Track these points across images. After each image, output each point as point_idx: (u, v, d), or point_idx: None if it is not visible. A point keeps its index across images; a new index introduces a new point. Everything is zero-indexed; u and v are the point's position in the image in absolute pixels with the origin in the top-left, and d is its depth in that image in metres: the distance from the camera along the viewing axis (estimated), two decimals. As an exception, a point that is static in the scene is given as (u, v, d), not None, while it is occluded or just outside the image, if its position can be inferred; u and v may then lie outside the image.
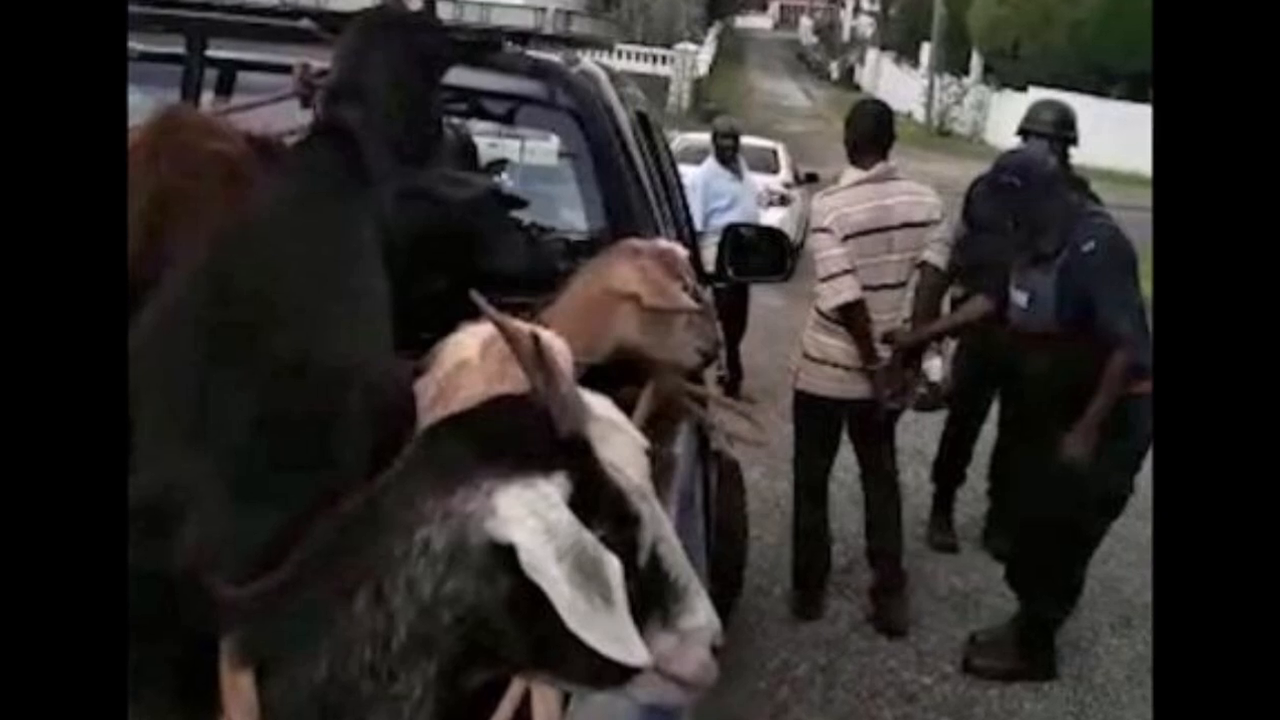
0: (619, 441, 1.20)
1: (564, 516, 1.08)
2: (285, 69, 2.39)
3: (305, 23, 2.52)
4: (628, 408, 1.54)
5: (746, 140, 8.60)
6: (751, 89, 33.65)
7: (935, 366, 4.51)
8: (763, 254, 3.83)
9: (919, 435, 5.74)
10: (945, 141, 26.15)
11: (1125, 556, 4.98)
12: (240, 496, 1.43)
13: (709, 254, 3.96)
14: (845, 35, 47.84)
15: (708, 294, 3.07)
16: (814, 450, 4.49)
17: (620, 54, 21.49)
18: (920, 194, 4.35)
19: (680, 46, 26.08)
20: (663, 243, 2.35)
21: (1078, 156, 4.95)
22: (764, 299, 7.74)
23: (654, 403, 2.06)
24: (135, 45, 2.27)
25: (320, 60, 2.25)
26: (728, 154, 7.59)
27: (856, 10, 48.49)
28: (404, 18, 2.20)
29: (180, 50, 2.63)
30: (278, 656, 1.12)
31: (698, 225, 5.20)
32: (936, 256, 4.28)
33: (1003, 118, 22.08)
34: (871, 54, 39.06)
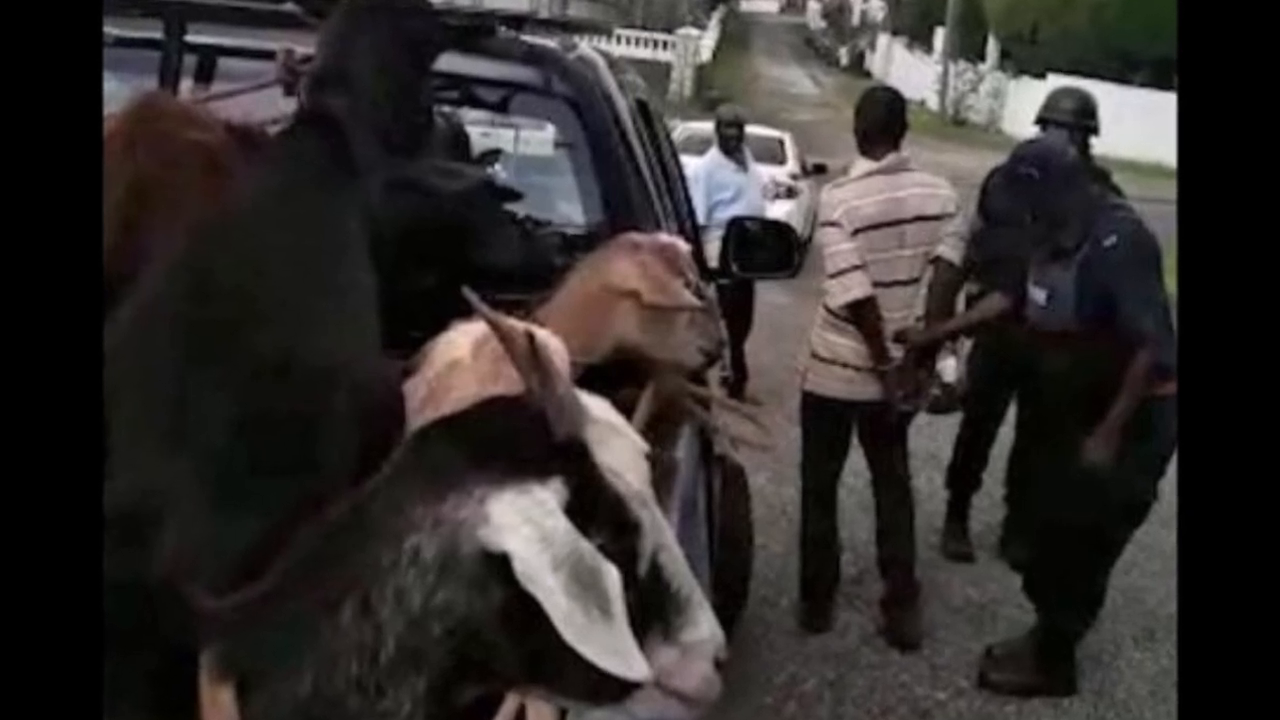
0: (618, 445, 1.21)
1: (560, 524, 1.08)
2: (268, 55, 2.40)
3: (289, 6, 2.52)
4: (627, 410, 1.54)
5: (751, 130, 8.61)
6: (757, 76, 33.67)
7: (949, 367, 4.51)
8: (768, 249, 3.83)
9: (933, 439, 5.75)
10: (960, 131, 26.16)
11: (1149, 566, 4.98)
12: (221, 502, 1.44)
13: (712, 249, 3.96)
14: (855, 19, 47.88)
15: (711, 291, 3.07)
16: (822, 454, 4.49)
17: (619, 39, 21.46)
18: (934, 186, 4.35)
19: (682, 31, 26.11)
20: (664, 237, 2.35)
21: (1099, 147, 4.95)
22: (770, 296, 7.73)
23: (655, 405, 2.06)
24: (111, 30, 2.27)
25: (304, 46, 2.25)
26: (732, 144, 7.59)
27: (867, -7, 48.54)
28: (392, 1, 2.20)
29: (158, 35, 2.63)
30: (260, 670, 1.13)
31: (700, 219, 5.21)
32: (951, 251, 4.28)
33: (1020, 106, 22.07)
34: (883, 39, 39.09)
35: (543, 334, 1.38)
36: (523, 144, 3.15)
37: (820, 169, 11.67)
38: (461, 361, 1.86)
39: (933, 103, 28.82)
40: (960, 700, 4.16)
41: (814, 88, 34.03)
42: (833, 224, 4.23)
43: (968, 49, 28.83)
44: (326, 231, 1.85)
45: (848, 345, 4.25)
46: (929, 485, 5.49)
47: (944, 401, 4.58)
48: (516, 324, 1.27)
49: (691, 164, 6.35)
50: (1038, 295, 3.92)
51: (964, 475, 5.33)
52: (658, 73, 22.05)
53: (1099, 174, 4.48)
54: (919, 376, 4.32)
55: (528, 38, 2.75)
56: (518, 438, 1.13)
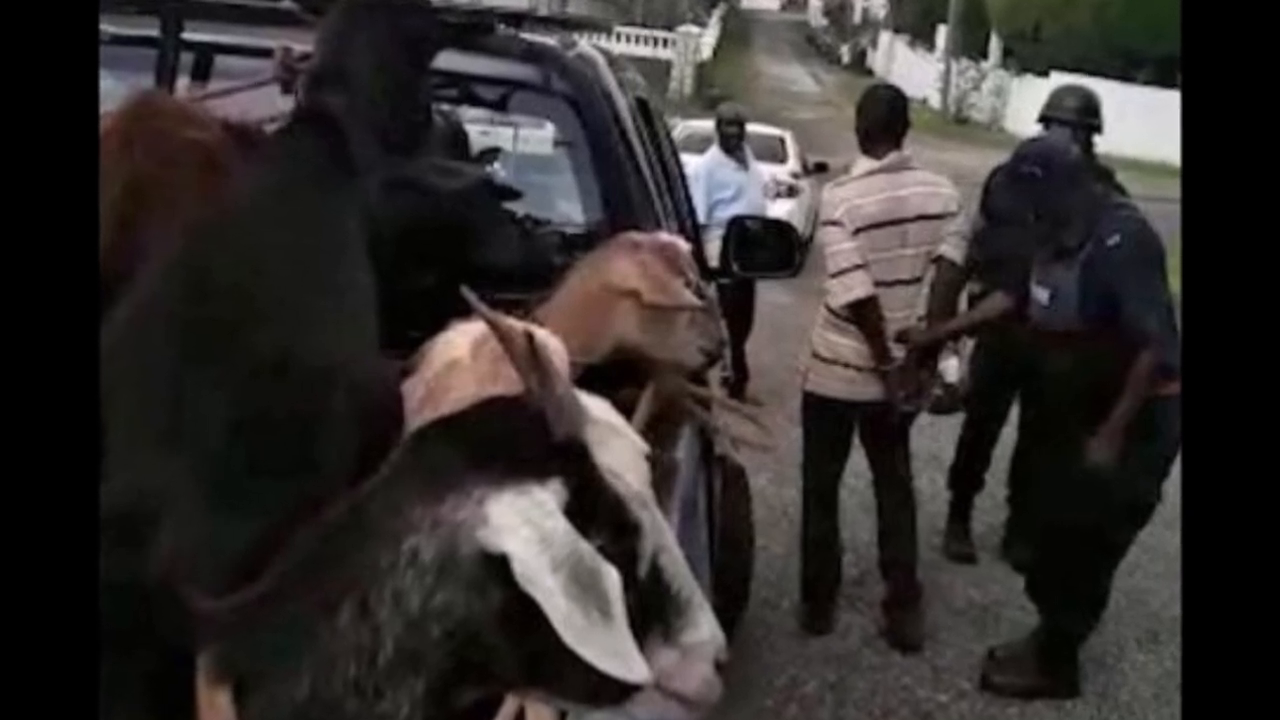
0: (618, 446, 1.20)
1: (560, 525, 1.08)
2: (265, 53, 2.40)
3: (286, 4, 2.52)
4: (627, 410, 1.54)
5: (752, 128, 8.61)
6: (758, 74, 33.67)
7: (952, 367, 4.50)
8: (769, 248, 3.83)
9: (935, 439, 5.74)
10: (962, 129, 26.16)
11: (1152, 567, 4.99)
12: (218, 503, 1.44)
13: (713, 248, 3.96)
14: (857, 17, 47.89)
15: (711, 290, 3.07)
16: (824, 455, 4.49)
17: (619, 37, 21.45)
18: (936, 185, 4.35)
19: (682, 29, 26.10)
20: (664, 236, 2.35)
21: (1102, 145, 4.95)
22: (771, 295, 7.73)
23: (655, 405, 2.06)
24: (107, 28, 2.28)
25: (302, 43, 2.25)
26: (732, 142, 7.59)
27: (869, -10, 48.55)
28: (391, -2, 2.20)
29: (155, 33, 2.63)
30: (257, 672, 1.13)
31: (701, 217, 5.21)
32: (953, 251, 4.28)
33: (1023, 104, 22.08)
34: (884, 37, 39.09)
35: (542, 334, 1.38)
36: (522, 142, 3.15)
37: (821, 167, 11.66)
38: (460, 361, 1.85)
39: (935, 101, 28.82)
40: (962, 702, 4.16)
41: (815, 86, 34.03)
42: (834, 223, 4.23)
43: (970, 47, 28.82)
44: (324, 230, 1.85)
45: (849, 345, 4.25)
46: (931, 486, 5.49)
47: (946, 402, 4.58)
48: (516, 324, 1.27)
49: (692, 162, 6.35)
50: (1040, 295, 3.92)
51: (966, 476, 5.32)
52: (658, 70, 22.04)
53: (1102, 172, 4.48)
54: (921, 376, 4.32)
55: (527, 35, 2.75)
56: (517, 438, 1.13)
